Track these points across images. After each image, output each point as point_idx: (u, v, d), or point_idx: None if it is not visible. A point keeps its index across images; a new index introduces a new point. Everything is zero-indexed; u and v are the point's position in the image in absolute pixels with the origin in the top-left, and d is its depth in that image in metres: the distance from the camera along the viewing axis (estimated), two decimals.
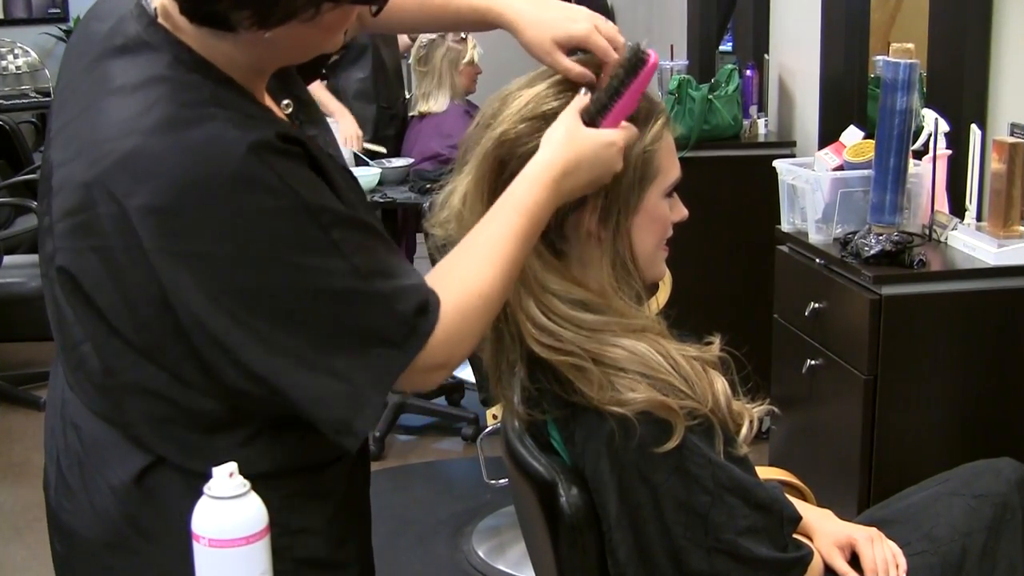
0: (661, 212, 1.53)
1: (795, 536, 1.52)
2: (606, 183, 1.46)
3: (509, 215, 1.38)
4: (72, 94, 1.34)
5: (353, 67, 4.69)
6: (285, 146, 1.25)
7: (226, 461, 1.26)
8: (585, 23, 1.50)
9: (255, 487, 1.30)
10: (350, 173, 1.47)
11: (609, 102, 1.44)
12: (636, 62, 1.45)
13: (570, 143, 1.42)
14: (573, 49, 1.51)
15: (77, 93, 1.33)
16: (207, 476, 1.22)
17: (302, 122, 1.46)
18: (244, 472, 1.28)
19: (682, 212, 1.57)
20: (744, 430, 1.49)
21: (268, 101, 1.41)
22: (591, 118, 1.44)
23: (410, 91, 4.95)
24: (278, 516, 1.34)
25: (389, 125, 4.76)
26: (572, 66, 1.49)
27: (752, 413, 1.51)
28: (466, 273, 1.35)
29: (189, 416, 1.32)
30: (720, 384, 1.47)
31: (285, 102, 1.44)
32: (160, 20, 1.30)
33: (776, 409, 1.64)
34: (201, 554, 1.15)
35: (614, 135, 1.44)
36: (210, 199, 1.20)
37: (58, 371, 1.45)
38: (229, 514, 1.15)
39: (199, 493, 1.22)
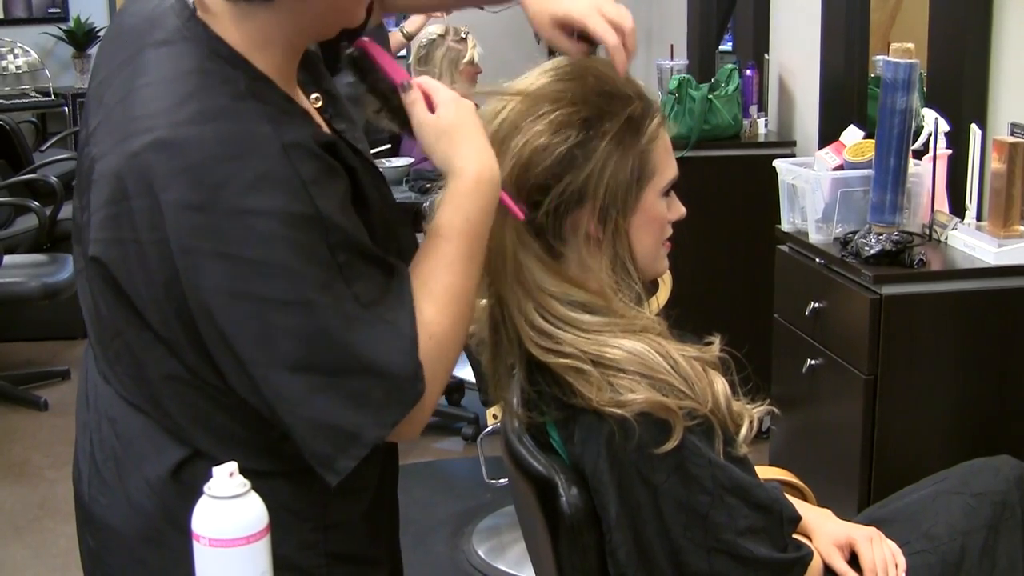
0: (659, 212, 1.53)
1: (795, 536, 1.52)
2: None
3: (434, 245, 1.34)
4: (108, 88, 1.34)
5: (342, 71, 4.69)
6: (318, 152, 1.25)
7: (263, 454, 1.27)
8: (586, 4, 1.48)
9: (290, 481, 1.31)
10: (377, 170, 1.47)
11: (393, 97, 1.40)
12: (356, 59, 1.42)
13: (433, 149, 1.38)
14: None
15: (113, 87, 1.33)
16: (245, 470, 1.22)
17: (332, 115, 1.46)
18: (280, 467, 1.30)
19: (680, 211, 1.57)
20: (744, 430, 1.49)
21: (299, 96, 1.40)
22: (404, 125, 1.40)
23: None
24: (312, 510, 1.36)
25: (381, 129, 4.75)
26: (571, 47, 1.49)
27: (752, 413, 1.51)
28: (430, 310, 1.31)
29: (224, 409, 1.32)
30: (720, 384, 1.47)
31: (314, 96, 1.44)
32: (199, 14, 1.30)
33: (776, 410, 1.64)
34: (201, 554, 1.15)
35: (438, 97, 1.38)
36: (239, 197, 1.20)
37: (89, 365, 1.45)
38: (229, 514, 1.15)
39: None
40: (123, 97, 1.30)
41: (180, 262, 1.22)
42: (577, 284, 1.49)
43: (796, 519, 1.51)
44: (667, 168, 1.53)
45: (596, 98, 1.49)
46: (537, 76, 1.53)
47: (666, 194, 1.54)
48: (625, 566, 1.45)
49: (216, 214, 1.20)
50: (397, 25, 5.17)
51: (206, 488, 1.16)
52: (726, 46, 5.09)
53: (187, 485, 1.34)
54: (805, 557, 1.51)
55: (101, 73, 1.38)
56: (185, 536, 1.33)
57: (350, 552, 1.42)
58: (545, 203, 1.48)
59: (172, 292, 1.25)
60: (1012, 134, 2.67)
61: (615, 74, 1.52)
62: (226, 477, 1.15)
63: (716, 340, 1.54)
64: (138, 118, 1.26)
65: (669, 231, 1.56)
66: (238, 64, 1.28)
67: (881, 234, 2.62)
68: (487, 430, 3.16)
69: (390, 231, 1.38)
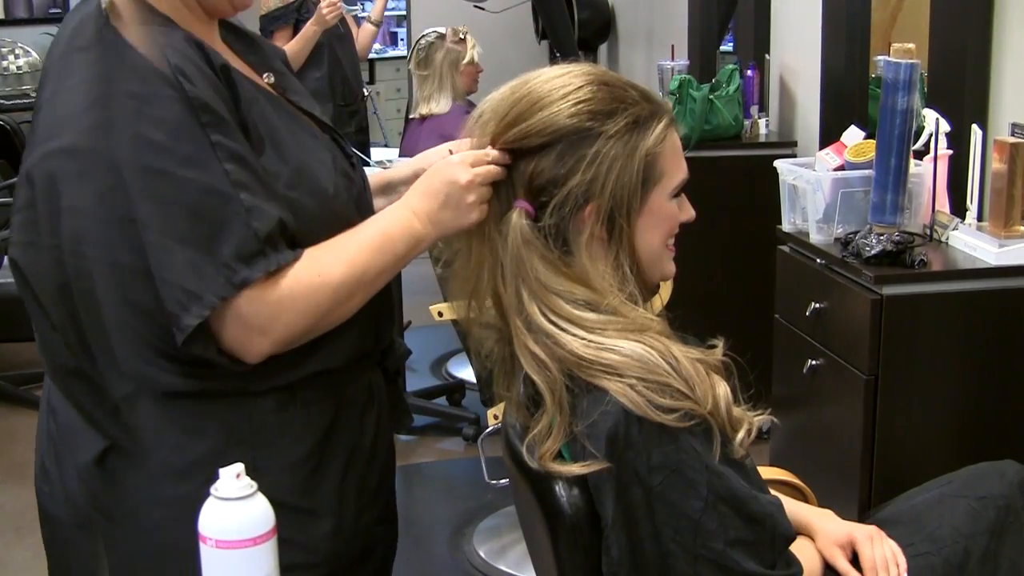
0: (668, 213, 1.54)
1: (790, 550, 1.51)
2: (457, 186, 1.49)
3: (364, 224, 1.49)
4: (44, 89, 1.44)
5: (309, 67, 4.80)
6: (199, 61, 1.37)
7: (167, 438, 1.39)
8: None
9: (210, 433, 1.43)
10: (322, 125, 1.59)
11: None
12: None
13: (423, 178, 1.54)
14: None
15: (46, 88, 1.43)
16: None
17: (285, 89, 1.56)
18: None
19: (690, 213, 1.58)
20: (741, 434, 1.48)
21: (251, 74, 1.52)
22: None
23: (367, 88, 5.09)
24: (241, 449, 1.44)
25: (348, 122, 4.88)
26: None
27: (752, 420, 1.50)
28: (325, 259, 1.41)
29: (115, 401, 1.43)
30: (722, 389, 1.46)
31: (266, 75, 1.53)
32: (112, 21, 1.38)
33: (775, 419, 1.63)
34: (208, 555, 1.15)
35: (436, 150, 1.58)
36: (124, 83, 1.32)
37: None
38: (235, 515, 1.15)
39: (154, 477, 1.39)
40: (47, 99, 1.41)
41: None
42: (581, 283, 1.49)
43: (789, 537, 1.50)
44: (676, 170, 1.53)
45: (604, 96, 1.50)
46: (548, 73, 1.54)
47: (675, 196, 1.54)
48: (617, 565, 1.45)
49: (111, 103, 1.33)
50: (354, 15, 5.34)
51: (212, 490, 1.16)
52: (727, 46, 5.10)
53: (111, 473, 1.44)
54: None
55: (46, 74, 1.47)
56: (113, 524, 1.45)
57: (280, 499, 1.43)
58: (551, 204, 1.49)
59: (65, 296, 1.37)
60: (1013, 134, 2.67)
61: (622, 81, 1.53)
62: (232, 479, 1.16)
63: (719, 343, 1.53)
64: (52, 124, 1.38)
65: (676, 232, 1.57)
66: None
67: (882, 234, 2.62)
68: (488, 430, 3.16)
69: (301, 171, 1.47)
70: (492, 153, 1.51)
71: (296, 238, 1.41)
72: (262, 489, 1.42)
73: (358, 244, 1.45)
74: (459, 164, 1.49)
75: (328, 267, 1.41)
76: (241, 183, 1.34)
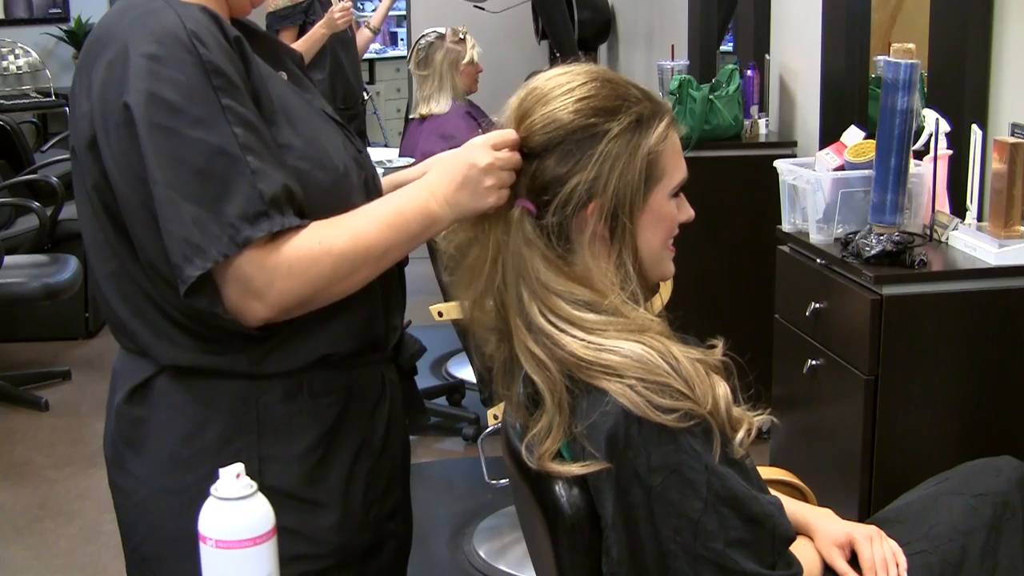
0: (668, 212, 1.54)
1: (789, 551, 1.51)
2: (478, 169, 1.48)
3: (379, 201, 1.51)
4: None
5: (312, 69, 4.83)
6: (208, 22, 1.42)
7: (195, 349, 1.45)
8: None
9: (226, 385, 1.47)
10: (332, 119, 1.62)
11: None
12: None
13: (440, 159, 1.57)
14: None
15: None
16: (183, 369, 1.45)
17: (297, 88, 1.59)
18: (213, 364, 1.46)
19: (689, 213, 1.58)
20: (741, 434, 1.48)
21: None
22: None
23: (367, 91, 5.09)
24: (246, 438, 1.49)
25: (348, 125, 4.88)
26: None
27: (752, 421, 1.50)
28: (329, 231, 1.43)
29: (159, 299, 1.47)
30: (722, 389, 1.46)
31: (280, 74, 1.56)
32: None
33: (775, 419, 1.63)
34: (208, 555, 1.16)
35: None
36: (139, 45, 1.39)
37: None
38: (236, 515, 1.15)
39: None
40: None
41: (106, 108, 1.40)
42: (582, 283, 1.50)
43: (789, 538, 1.50)
44: (676, 170, 1.54)
45: (607, 93, 1.51)
46: (551, 72, 1.56)
47: (675, 195, 1.55)
48: (617, 565, 1.45)
49: (126, 64, 1.39)
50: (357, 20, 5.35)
51: (212, 490, 1.16)
52: (727, 46, 5.10)
53: (140, 407, 1.51)
54: None
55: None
56: (140, 458, 1.51)
57: (286, 489, 1.50)
58: (554, 202, 1.49)
59: (95, 153, 1.43)
60: (1013, 134, 2.67)
61: (623, 80, 1.54)
62: (232, 479, 1.16)
63: (719, 343, 1.53)
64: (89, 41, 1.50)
65: (676, 231, 1.57)
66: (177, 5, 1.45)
67: (882, 234, 2.62)
68: (488, 430, 3.16)
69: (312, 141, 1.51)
70: (515, 135, 1.50)
71: (305, 212, 1.43)
72: (267, 479, 1.45)
73: (367, 218, 1.46)
74: (480, 146, 1.48)
75: (330, 237, 1.42)
76: (249, 147, 1.38)
